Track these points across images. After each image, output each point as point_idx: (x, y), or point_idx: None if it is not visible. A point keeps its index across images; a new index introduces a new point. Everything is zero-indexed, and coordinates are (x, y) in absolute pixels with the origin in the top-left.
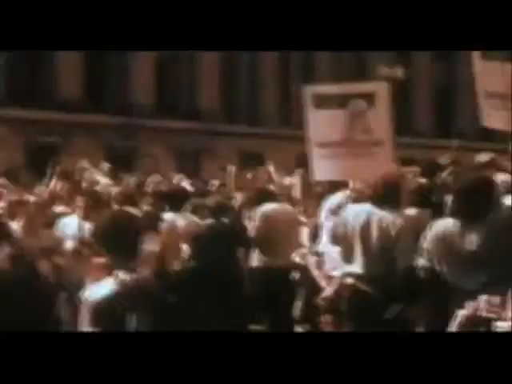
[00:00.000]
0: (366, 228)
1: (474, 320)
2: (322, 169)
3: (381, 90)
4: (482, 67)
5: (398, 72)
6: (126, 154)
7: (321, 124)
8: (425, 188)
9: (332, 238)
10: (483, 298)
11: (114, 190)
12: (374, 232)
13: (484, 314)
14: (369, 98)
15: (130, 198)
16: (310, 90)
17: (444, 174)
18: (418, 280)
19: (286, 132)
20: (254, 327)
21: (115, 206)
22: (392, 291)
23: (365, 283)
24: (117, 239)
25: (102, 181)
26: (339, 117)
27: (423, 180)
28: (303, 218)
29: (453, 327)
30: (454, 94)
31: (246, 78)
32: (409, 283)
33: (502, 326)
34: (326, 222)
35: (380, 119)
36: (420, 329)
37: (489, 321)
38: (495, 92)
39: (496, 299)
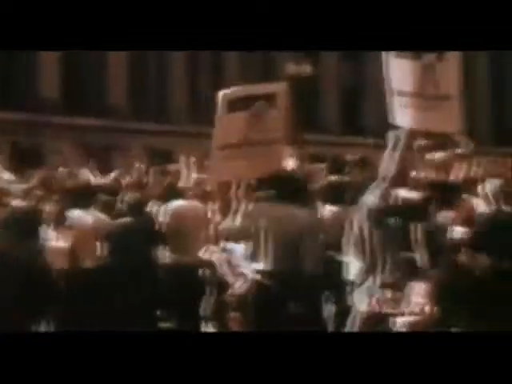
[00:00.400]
0: (275, 224)
1: (373, 315)
2: (222, 170)
3: (281, 90)
4: (392, 65)
5: (307, 69)
6: (33, 150)
7: (223, 127)
8: (336, 185)
9: (240, 234)
10: (381, 293)
11: (19, 187)
12: (283, 228)
13: (382, 309)
14: (270, 98)
15: (37, 195)
16: (223, 95)
17: (352, 171)
18: (323, 276)
19: (196, 129)
20: (163, 325)
21: (19, 203)
22: (299, 287)
23: (272, 279)
24: (17, 237)
25: (5, 177)
26: (240, 119)
27: (334, 177)
28: (216, 215)
29: (354, 323)
30: (361, 93)
31: (154, 75)
32: (315, 279)
33: (399, 321)
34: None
35: (279, 119)
36: (328, 326)
37: (387, 316)
38: (404, 90)
39: (394, 294)
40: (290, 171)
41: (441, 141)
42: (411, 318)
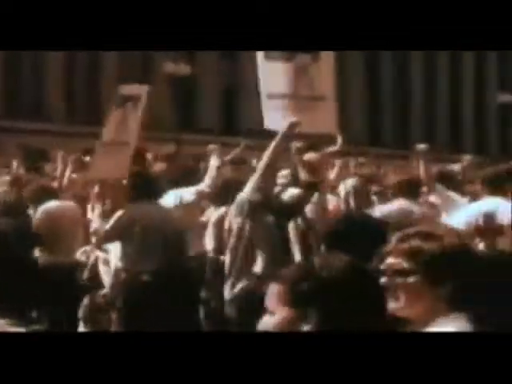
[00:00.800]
0: (147, 224)
1: None
2: (100, 167)
3: (142, 92)
4: (265, 67)
5: (184, 69)
6: None
7: (107, 123)
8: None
9: (112, 234)
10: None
11: None
12: (156, 227)
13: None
14: (135, 99)
15: None
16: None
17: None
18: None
19: (72, 128)
20: (35, 327)
21: None
22: (175, 286)
23: (146, 278)
24: None
25: None
26: (114, 117)
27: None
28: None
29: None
30: (239, 93)
31: (29, 74)
32: (190, 278)
33: (266, 321)
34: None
35: (137, 119)
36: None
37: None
38: (276, 93)
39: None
40: (145, 171)
41: (316, 141)
42: (267, 319)
